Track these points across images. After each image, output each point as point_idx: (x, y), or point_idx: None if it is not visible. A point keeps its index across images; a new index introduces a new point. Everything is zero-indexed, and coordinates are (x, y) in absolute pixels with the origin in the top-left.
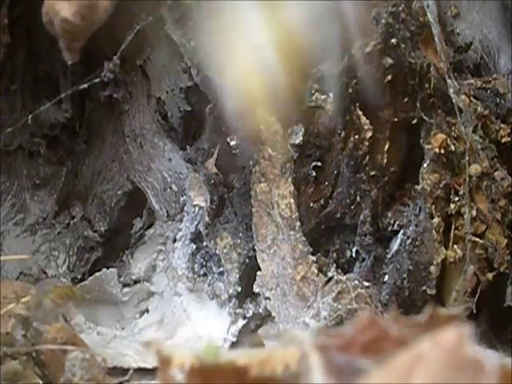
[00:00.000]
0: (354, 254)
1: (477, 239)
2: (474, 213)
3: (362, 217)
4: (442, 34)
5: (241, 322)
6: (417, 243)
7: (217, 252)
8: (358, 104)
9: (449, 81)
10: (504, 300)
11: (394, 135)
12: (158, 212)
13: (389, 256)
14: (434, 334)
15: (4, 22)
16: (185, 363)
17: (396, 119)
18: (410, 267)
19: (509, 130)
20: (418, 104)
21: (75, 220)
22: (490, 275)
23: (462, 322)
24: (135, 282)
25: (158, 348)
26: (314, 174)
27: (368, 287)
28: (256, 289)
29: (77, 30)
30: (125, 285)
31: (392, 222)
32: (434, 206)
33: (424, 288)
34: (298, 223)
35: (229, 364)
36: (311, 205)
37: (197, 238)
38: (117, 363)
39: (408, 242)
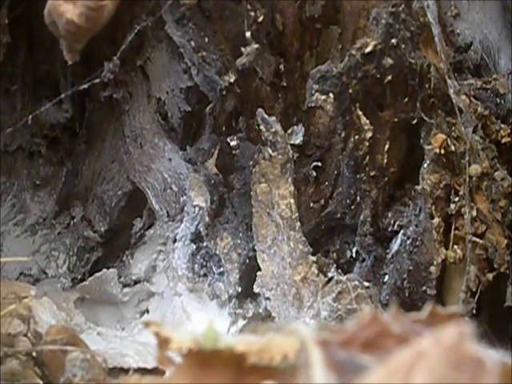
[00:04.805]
0: (354, 255)
1: (477, 239)
2: (474, 213)
3: (362, 217)
4: (442, 35)
5: (241, 323)
6: (417, 243)
7: (217, 252)
8: (357, 104)
9: (449, 81)
10: (504, 300)
11: (394, 135)
12: (158, 212)
13: (389, 256)
14: (435, 331)
15: (4, 22)
16: (183, 346)
17: (396, 119)
18: (410, 267)
19: (509, 131)
20: (418, 104)
21: (75, 220)
22: (490, 275)
23: (462, 320)
24: (135, 283)
25: (157, 329)
26: (314, 174)
27: (368, 287)
28: (256, 289)
29: (81, 31)
30: (125, 285)
31: (392, 222)
32: (434, 207)
33: (424, 288)
34: (298, 223)
35: (227, 350)
36: (311, 205)
37: (197, 238)
38: (117, 363)
39: (408, 242)
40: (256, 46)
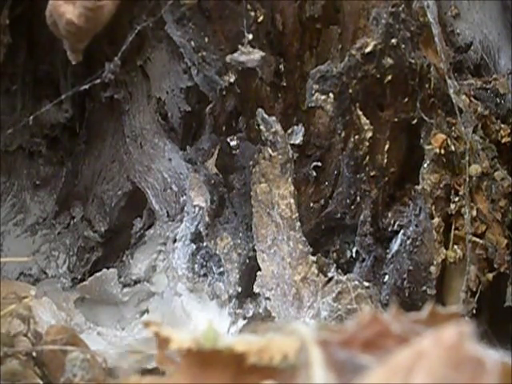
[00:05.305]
0: (354, 255)
1: (477, 239)
2: (474, 213)
3: (362, 217)
4: (442, 34)
5: (241, 323)
6: (417, 243)
7: (217, 252)
8: (357, 104)
9: (449, 81)
10: (504, 300)
11: (394, 135)
12: (158, 212)
13: (389, 256)
14: (435, 331)
15: (5, 22)
16: (183, 346)
17: (396, 119)
18: (410, 267)
19: (509, 131)
20: (418, 104)
21: (75, 220)
22: (490, 275)
23: (462, 319)
24: (135, 283)
25: (157, 329)
26: (314, 174)
27: (368, 287)
28: (256, 289)
29: (81, 31)
30: (125, 285)
31: (392, 222)
32: (434, 206)
33: (424, 288)
34: (298, 223)
35: (227, 350)
36: (311, 205)
37: (197, 238)
38: (117, 363)
39: (408, 242)
40: (262, 53)
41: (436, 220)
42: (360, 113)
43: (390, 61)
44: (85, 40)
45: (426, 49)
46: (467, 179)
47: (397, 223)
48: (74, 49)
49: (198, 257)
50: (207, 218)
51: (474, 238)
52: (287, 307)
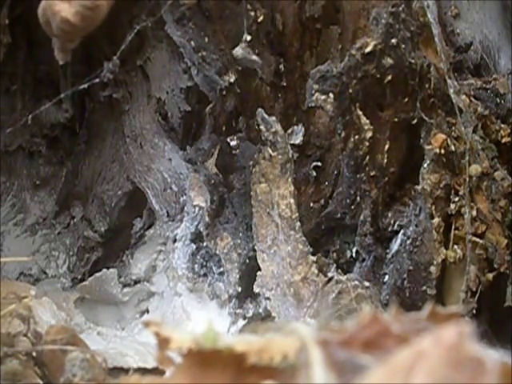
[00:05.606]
0: (354, 255)
1: (477, 239)
2: (474, 213)
3: (362, 217)
4: (442, 34)
5: (241, 322)
6: (417, 243)
7: (217, 252)
8: (357, 104)
9: (449, 81)
10: (504, 300)
11: (394, 135)
12: (158, 212)
13: (389, 256)
14: (435, 331)
15: (4, 22)
16: (183, 346)
17: (396, 119)
18: (410, 267)
19: (509, 130)
20: (418, 104)
21: (75, 220)
22: (490, 275)
23: (462, 319)
24: (135, 283)
25: (157, 329)
26: (314, 174)
27: (368, 287)
28: (256, 289)
29: (75, 30)
30: (125, 285)
31: (392, 222)
32: (434, 206)
33: (424, 288)
34: (298, 223)
35: (227, 350)
36: (311, 205)
37: (197, 238)
38: (117, 363)
39: (408, 242)
40: (259, 60)
41: (436, 220)
42: (360, 113)
43: (389, 61)
44: (76, 40)
45: (426, 49)
46: (467, 179)
47: (397, 223)
48: (64, 48)
49: (198, 257)
50: (207, 218)
51: (474, 238)
52: (287, 307)
